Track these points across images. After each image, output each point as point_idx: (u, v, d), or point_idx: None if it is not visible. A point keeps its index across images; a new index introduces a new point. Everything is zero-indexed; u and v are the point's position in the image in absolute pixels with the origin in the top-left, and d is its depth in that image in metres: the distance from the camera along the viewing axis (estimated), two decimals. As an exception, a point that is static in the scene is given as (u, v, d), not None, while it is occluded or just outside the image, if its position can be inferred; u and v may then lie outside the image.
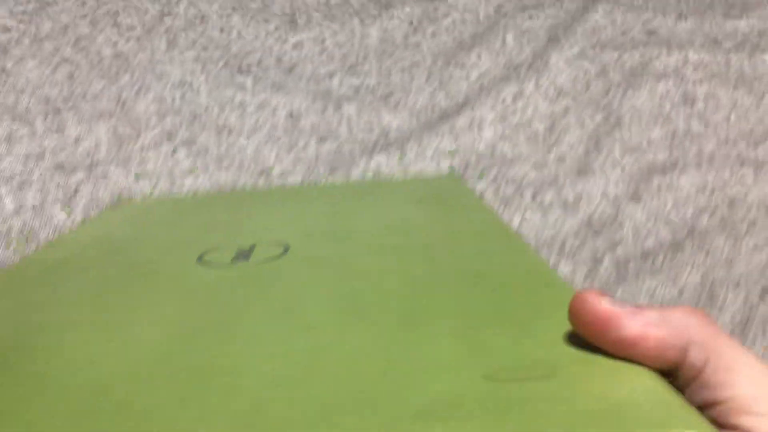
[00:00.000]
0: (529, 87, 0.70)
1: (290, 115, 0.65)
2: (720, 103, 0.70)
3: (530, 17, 0.78)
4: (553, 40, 0.75)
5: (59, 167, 0.58)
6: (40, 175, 0.57)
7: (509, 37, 0.75)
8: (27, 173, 0.57)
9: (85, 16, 0.72)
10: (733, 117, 0.68)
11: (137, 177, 0.58)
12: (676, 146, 0.65)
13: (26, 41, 0.69)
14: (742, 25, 0.79)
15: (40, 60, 0.66)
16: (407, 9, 0.78)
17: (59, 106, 0.62)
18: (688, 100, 0.70)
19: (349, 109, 0.66)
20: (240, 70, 0.68)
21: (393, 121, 0.66)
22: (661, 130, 0.67)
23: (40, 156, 0.58)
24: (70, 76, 0.65)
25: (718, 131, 0.67)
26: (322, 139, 0.63)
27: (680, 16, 0.80)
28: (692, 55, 0.75)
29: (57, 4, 0.74)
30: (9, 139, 0.59)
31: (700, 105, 0.69)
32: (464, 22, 0.77)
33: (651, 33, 0.78)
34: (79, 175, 0.58)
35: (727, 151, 0.65)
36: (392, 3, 0.78)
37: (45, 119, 0.61)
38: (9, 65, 0.65)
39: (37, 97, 0.63)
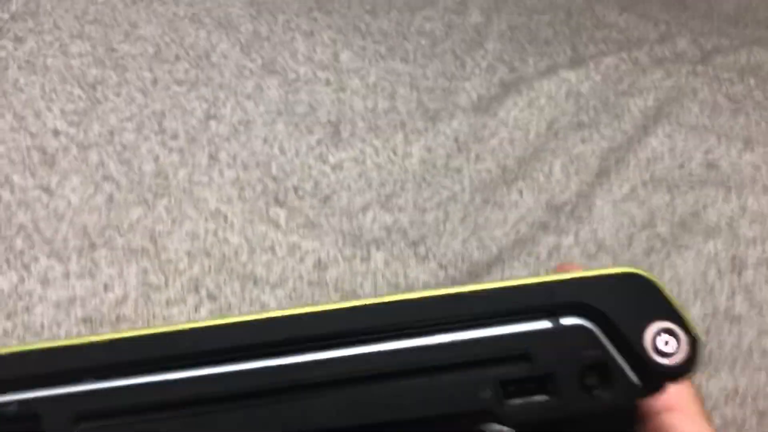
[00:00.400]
0: (568, 239, 0.62)
1: (317, 263, 0.59)
2: (771, 273, 0.61)
3: (582, 140, 0.69)
4: (604, 173, 0.66)
5: (86, 321, 0.55)
6: (67, 330, 0.54)
7: (557, 167, 0.67)
8: (56, 326, 0.54)
9: (131, 117, 0.67)
10: (782, 293, 0.59)
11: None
12: (714, 333, 0.57)
13: (73, 149, 0.65)
14: (814, 164, 0.68)
15: (84, 176, 0.62)
16: (455, 123, 0.69)
17: (95, 240, 0.59)
18: (737, 267, 0.61)
19: (378, 258, 0.60)
20: (276, 200, 0.63)
21: (420, 275, 0.60)
22: (701, 308, 0.58)
23: (71, 303, 0.55)
24: (110, 199, 0.61)
25: (763, 315, 0.58)
26: (343, 298, 0.58)
27: (747, 145, 0.69)
28: (751, 203, 0.65)
29: (107, 101, 0.69)
30: (45, 279, 0.56)
31: (749, 275, 0.60)
32: (512, 143, 0.68)
33: (711, 166, 0.68)
34: (104, 332, 0.55)
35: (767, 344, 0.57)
36: (440, 115, 0.70)
37: (80, 257, 0.58)
38: (54, 183, 0.62)
39: (75, 226, 0.59)
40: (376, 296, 0.18)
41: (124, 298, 0.56)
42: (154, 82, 0.70)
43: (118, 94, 0.69)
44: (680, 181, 0.66)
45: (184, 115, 0.68)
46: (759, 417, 0.53)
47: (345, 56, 0.75)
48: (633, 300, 0.17)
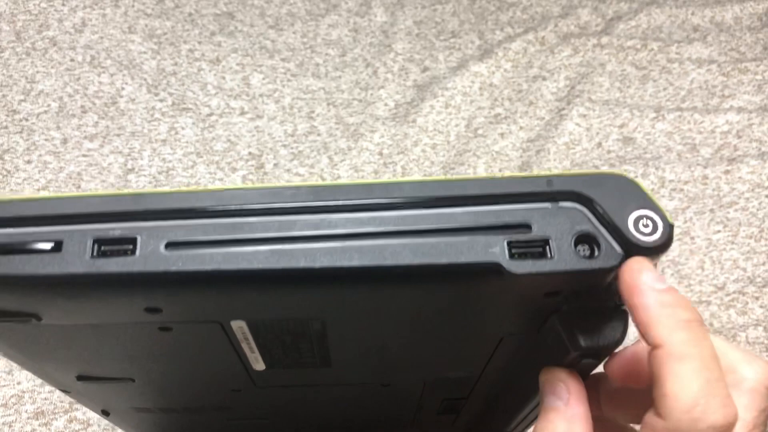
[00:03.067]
0: (502, 242, 0.61)
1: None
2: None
3: (502, 135, 0.67)
4: (526, 165, 0.65)
5: (39, 414, 0.52)
6: (20, 428, 0.51)
7: (480, 168, 0.65)
8: (7, 427, 0.51)
9: (47, 185, 0.63)
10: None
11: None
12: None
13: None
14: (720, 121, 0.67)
15: None
16: (376, 137, 0.66)
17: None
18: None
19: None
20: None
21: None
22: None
23: (19, 400, 0.52)
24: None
25: (691, 288, 0.58)
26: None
27: (658, 113, 0.68)
28: (668, 173, 0.64)
29: (18, 171, 0.63)
30: (-12, 378, 0.53)
31: (673, 249, 0.60)
32: (435, 148, 0.66)
33: (627, 141, 0.67)
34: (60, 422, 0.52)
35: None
36: (360, 130, 0.67)
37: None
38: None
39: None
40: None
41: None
42: (64, 141, 0.65)
43: (28, 162, 0.64)
44: (600, 162, 0.65)
45: (101, 173, 0.63)
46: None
47: (256, 80, 0.70)
48: (619, 193, 0.20)
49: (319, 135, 0.66)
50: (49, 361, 0.27)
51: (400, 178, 0.21)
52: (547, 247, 0.19)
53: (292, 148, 0.65)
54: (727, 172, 0.63)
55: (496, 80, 0.70)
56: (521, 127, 0.66)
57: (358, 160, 0.64)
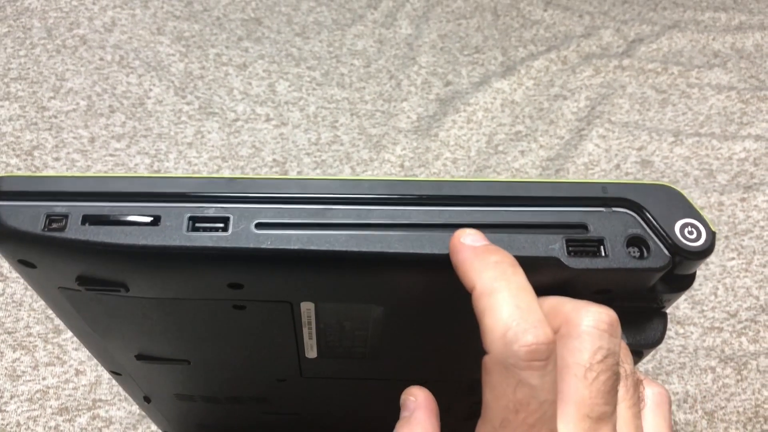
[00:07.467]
0: (519, 259, 0.61)
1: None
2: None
3: (522, 152, 0.67)
4: (545, 184, 0.65)
5: (63, 411, 0.53)
6: (45, 423, 0.52)
7: (501, 184, 0.65)
8: (32, 422, 0.52)
9: (75, 183, 0.63)
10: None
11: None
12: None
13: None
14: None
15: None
16: (398, 149, 0.67)
17: (58, 323, 0.56)
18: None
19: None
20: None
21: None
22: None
23: (44, 395, 0.53)
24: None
25: (704, 314, 0.59)
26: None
27: (676, 138, 0.69)
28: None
29: (47, 168, 0.64)
30: (13, 374, 0.54)
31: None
32: (455, 163, 0.67)
33: (645, 163, 0.67)
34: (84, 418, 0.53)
35: None
36: (383, 142, 0.68)
37: (45, 343, 0.55)
38: (5, 270, 0.58)
39: (36, 313, 0.56)
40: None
41: (98, 381, 0.54)
42: (92, 140, 0.66)
43: (57, 159, 0.64)
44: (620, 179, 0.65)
45: (128, 173, 0.64)
46: (708, 418, 0.55)
47: (281, 87, 0.71)
48: (666, 202, 0.21)
49: (342, 145, 0.67)
50: (115, 338, 0.29)
51: (468, 177, 0.23)
52: (602, 247, 0.21)
53: (315, 156, 0.66)
54: (743, 199, 0.64)
55: (518, 97, 0.70)
56: (541, 146, 0.67)
57: (380, 172, 0.65)
